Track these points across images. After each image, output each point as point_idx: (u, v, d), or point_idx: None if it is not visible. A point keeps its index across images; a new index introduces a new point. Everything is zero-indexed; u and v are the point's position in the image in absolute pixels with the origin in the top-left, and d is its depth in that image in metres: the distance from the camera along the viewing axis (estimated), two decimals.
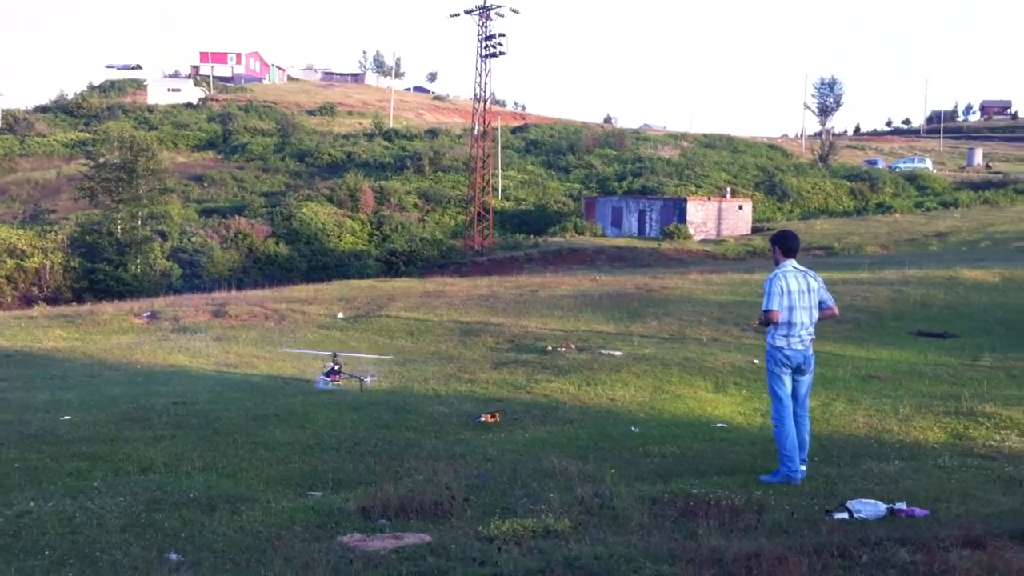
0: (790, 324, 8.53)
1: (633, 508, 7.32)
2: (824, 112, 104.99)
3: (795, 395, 8.72)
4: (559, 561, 5.59)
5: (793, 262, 8.70)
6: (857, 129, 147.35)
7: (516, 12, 64.42)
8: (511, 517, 7.08)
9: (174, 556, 6.50)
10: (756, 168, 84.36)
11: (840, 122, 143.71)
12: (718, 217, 63.75)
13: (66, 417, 12.39)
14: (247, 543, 6.80)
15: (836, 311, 8.90)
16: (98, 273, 49.40)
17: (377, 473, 9.02)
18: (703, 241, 60.14)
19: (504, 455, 9.91)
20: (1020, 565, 5.19)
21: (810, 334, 8.66)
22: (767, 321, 8.60)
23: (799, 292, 8.55)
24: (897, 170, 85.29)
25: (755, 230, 63.81)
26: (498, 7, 63.92)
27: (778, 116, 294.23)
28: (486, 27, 63.70)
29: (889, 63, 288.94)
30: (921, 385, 14.11)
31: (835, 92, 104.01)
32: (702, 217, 62.96)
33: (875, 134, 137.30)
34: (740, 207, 66.12)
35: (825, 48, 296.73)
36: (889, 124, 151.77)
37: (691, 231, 61.31)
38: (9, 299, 47.08)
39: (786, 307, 8.50)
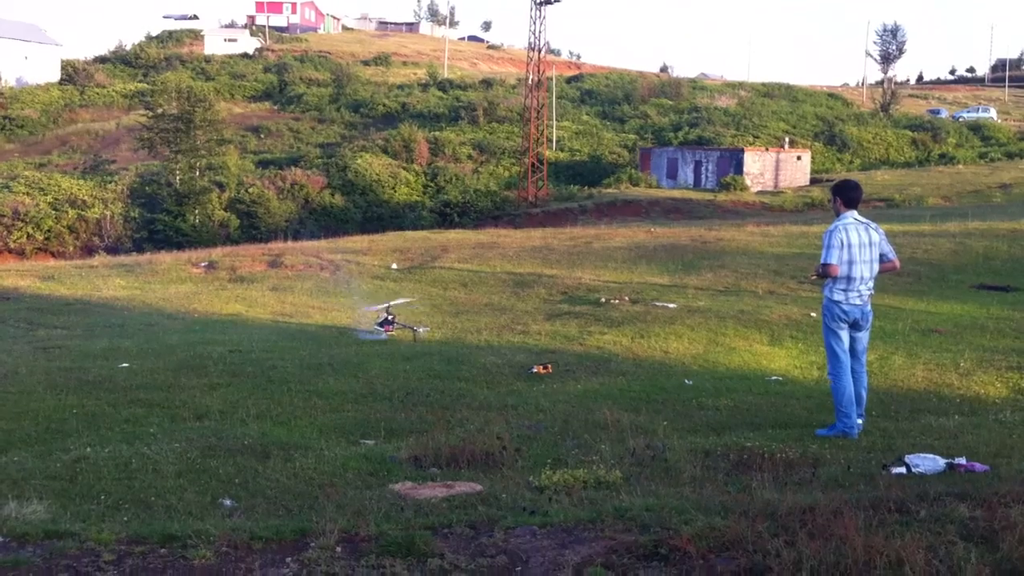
0: (849, 279, 8.27)
1: (685, 460, 7.25)
2: (886, 60, 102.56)
3: (852, 351, 8.50)
4: (610, 512, 5.55)
5: (855, 213, 8.40)
6: (920, 77, 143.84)
7: None
8: (562, 468, 7.05)
9: (228, 502, 6.57)
10: (815, 118, 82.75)
11: (903, 70, 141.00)
12: (776, 168, 62.75)
13: (124, 364, 12.61)
14: (300, 490, 6.86)
15: (897, 264, 8.64)
16: (157, 223, 50.13)
17: (429, 422, 9.05)
18: (760, 193, 59.23)
19: (556, 406, 9.90)
20: None
21: (869, 289, 8.40)
22: (824, 274, 8.35)
23: (860, 245, 8.25)
24: (960, 120, 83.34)
25: (813, 181, 62.71)
26: None
27: (838, 64, 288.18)
28: None
29: (953, 8, 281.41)
30: (982, 339, 13.83)
31: (898, 39, 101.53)
32: (759, 168, 61.99)
33: (938, 83, 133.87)
34: (798, 158, 64.95)
35: None
36: (953, 72, 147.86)
37: (748, 182, 60.40)
38: (71, 248, 48.02)
39: (846, 261, 8.22)
